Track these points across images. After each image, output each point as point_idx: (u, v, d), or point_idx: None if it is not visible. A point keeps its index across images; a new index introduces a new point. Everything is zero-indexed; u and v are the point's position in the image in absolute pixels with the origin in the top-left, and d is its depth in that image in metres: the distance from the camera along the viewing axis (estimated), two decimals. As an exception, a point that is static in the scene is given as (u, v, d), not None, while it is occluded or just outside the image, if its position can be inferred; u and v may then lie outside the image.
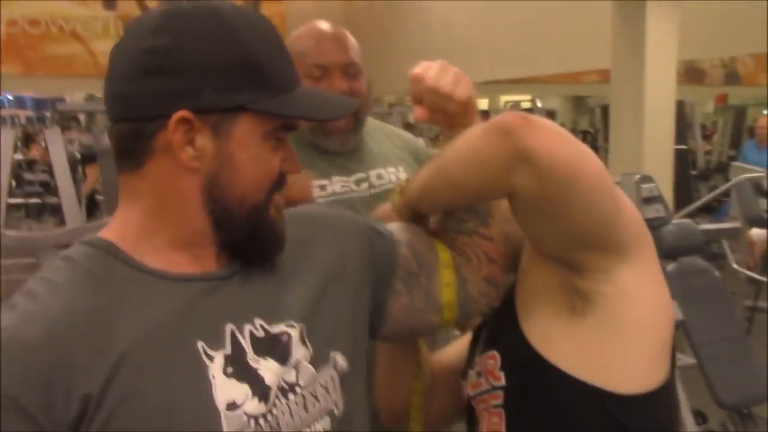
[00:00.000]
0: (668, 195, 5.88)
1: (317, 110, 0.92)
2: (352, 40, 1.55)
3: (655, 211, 3.26)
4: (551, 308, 1.01)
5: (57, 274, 0.84)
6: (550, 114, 13.14)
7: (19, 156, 11.23)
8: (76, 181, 6.18)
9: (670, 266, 3.26)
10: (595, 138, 10.98)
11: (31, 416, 0.76)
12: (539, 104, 11.02)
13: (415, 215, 1.09)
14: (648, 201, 3.24)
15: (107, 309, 0.82)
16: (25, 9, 11.18)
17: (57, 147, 3.48)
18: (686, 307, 3.13)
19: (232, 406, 0.82)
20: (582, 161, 0.94)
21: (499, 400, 1.03)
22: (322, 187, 1.53)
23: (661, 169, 5.81)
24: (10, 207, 10.93)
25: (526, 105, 11.61)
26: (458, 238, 1.09)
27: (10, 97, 18.49)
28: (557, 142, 0.93)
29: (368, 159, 1.60)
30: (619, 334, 0.98)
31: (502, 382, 1.03)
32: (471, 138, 0.99)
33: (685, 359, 3.36)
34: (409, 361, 1.15)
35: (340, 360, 0.93)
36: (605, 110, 8.69)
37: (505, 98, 13.33)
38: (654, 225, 3.26)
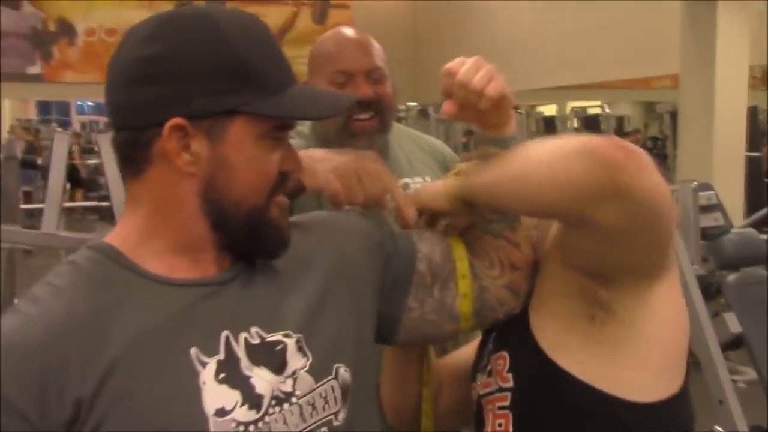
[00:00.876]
0: (738, 203, 5.69)
1: (310, 109, 0.92)
2: (375, 45, 1.54)
3: (714, 219, 3.17)
4: (567, 315, 1.00)
5: (61, 278, 0.86)
6: (620, 120, 12.87)
7: (93, 161, 11.63)
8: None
9: (731, 277, 3.16)
10: (665, 144, 10.70)
11: (26, 418, 0.78)
12: (608, 110, 10.78)
13: (462, 207, 1.05)
14: (706, 209, 3.15)
15: (105, 313, 0.83)
16: (102, 18, 11.57)
17: (107, 151, 3.61)
18: (747, 319, 3.02)
19: (221, 412, 0.82)
20: (666, 194, 0.94)
21: (506, 402, 1.03)
22: None
23: (731, 176, 5.65)
24: (86, 210, 11.32)
25: (595, 111, 11.39)
26: (484, 238, 1.07)
27: (90, 103, 19.24)
28: (651, 180, 0.91)
29: (395, 168, 1.56)
30: (639, 346, 0.98)
31: (510, 383, 1.03)
32: (560, 155, 0.94)
33: (747, 373, 3.25)
34: (416, 366, 1.14)
35: (343, 372, 0.92)
36: (674, 116, 8.47)
37: (572, 104, 13.12)
38: (713, 234, 3.16)
